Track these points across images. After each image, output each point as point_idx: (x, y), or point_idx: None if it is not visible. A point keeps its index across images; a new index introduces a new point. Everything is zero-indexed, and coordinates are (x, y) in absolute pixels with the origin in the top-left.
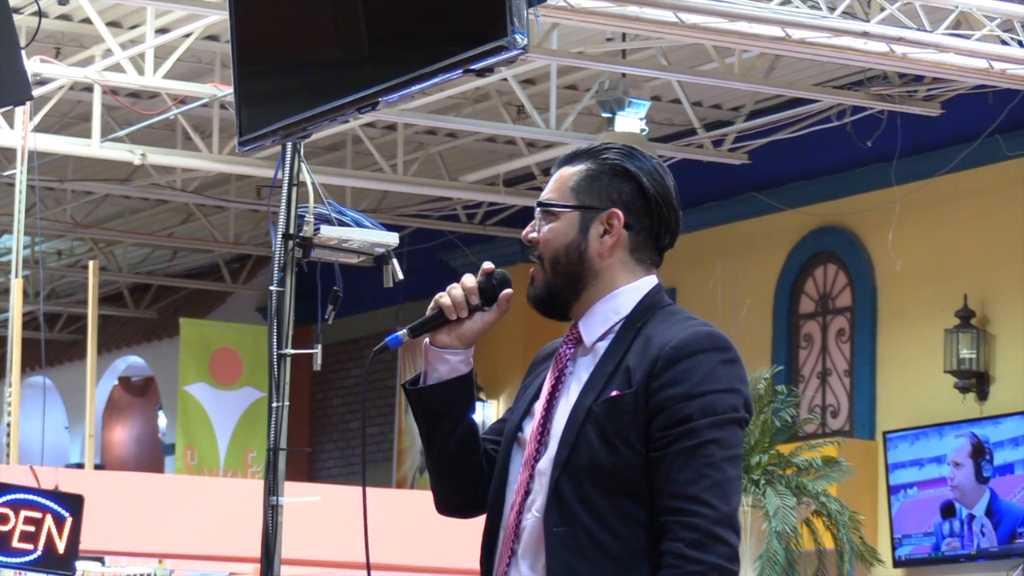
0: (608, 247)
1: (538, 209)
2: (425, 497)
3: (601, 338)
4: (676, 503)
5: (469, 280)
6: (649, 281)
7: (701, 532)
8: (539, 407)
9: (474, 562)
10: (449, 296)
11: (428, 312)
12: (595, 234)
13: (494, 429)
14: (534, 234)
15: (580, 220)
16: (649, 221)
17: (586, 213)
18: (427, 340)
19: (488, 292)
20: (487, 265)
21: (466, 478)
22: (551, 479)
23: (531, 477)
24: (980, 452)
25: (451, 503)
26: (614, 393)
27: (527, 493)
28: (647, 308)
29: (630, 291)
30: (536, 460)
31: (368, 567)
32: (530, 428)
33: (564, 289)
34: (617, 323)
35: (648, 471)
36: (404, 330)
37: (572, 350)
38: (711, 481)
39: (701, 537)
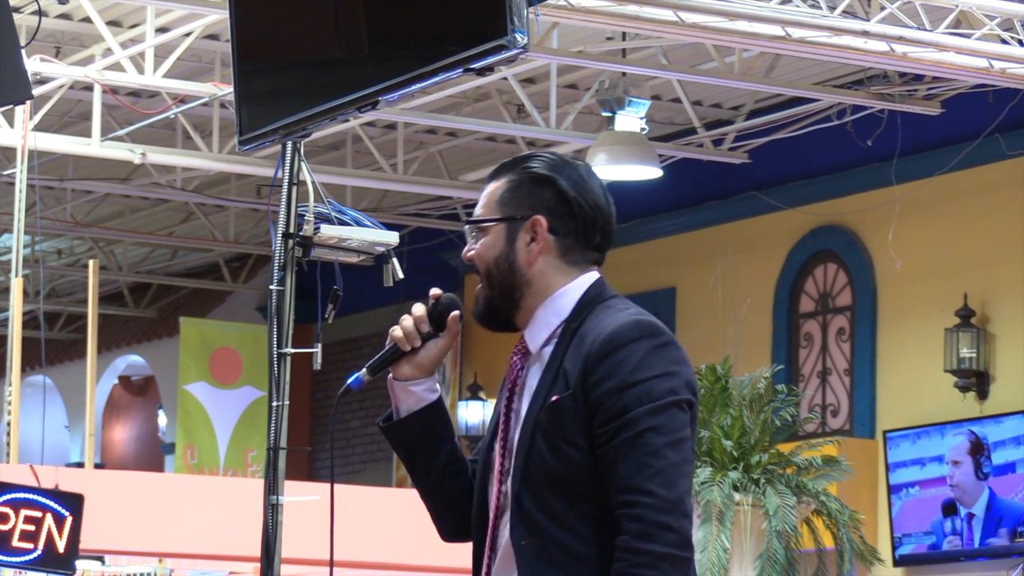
0: (536, 254)
1: (467, 227)
2: None
3: (546, 343)
4: (621, 496)
5: (418, 309)
6: (587, 279)
7: (646, 522)
8: (501, 422)
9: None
10: (401, 328)
11: (386, 348)
12: (522, 243)
13: (479, 448)
14: (468, 252)
15: (506, 231)
16: (574, 223)
17: (511, 224)
18: (391, 376)
19: (436, 318)
20: (434, 291)
21: (457, 502)
22: (512, 492)
23: (502, 493)
24: (979, 450)
25: (451, 528)
26: (554, 398)
27: (499, 509)
28: (585, 305)
29: (569, 291)
30: (503, 475)
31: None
32: (497, 444)
33: (502, 300)
34: (559, 326)
35: (597, 470)
36: (363, 370)
37: (522, 360)
38: (652, 470)
39: (646, 527)
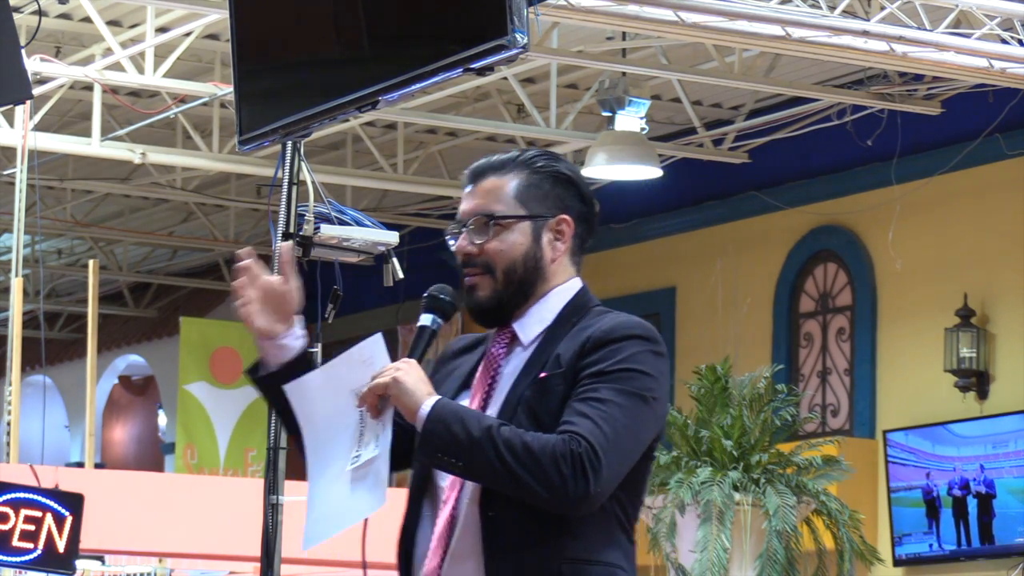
0: (560, 252)
1: (480, 220)
2: None
3: (535, 337)
4: (564, 432)
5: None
6: (577, 283)
7: (593, 451)
8: (477, 405)
9: None
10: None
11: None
12: (546, 241)
13: None
14: (472, 247)
15: (532, 229)
16: (587, 225)
17: (537, 221)
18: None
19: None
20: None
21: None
22: None
23: None
24: (980, 453)
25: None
26: (543, 375)
27: (463, 485)
28: (580, 306)
29: (561, 292)
30: None
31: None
32: None
33: (515, 297)
34: (551, 321)
35: None
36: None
37: (504, 349)
38: (601, 433)
39: (590, 454)
